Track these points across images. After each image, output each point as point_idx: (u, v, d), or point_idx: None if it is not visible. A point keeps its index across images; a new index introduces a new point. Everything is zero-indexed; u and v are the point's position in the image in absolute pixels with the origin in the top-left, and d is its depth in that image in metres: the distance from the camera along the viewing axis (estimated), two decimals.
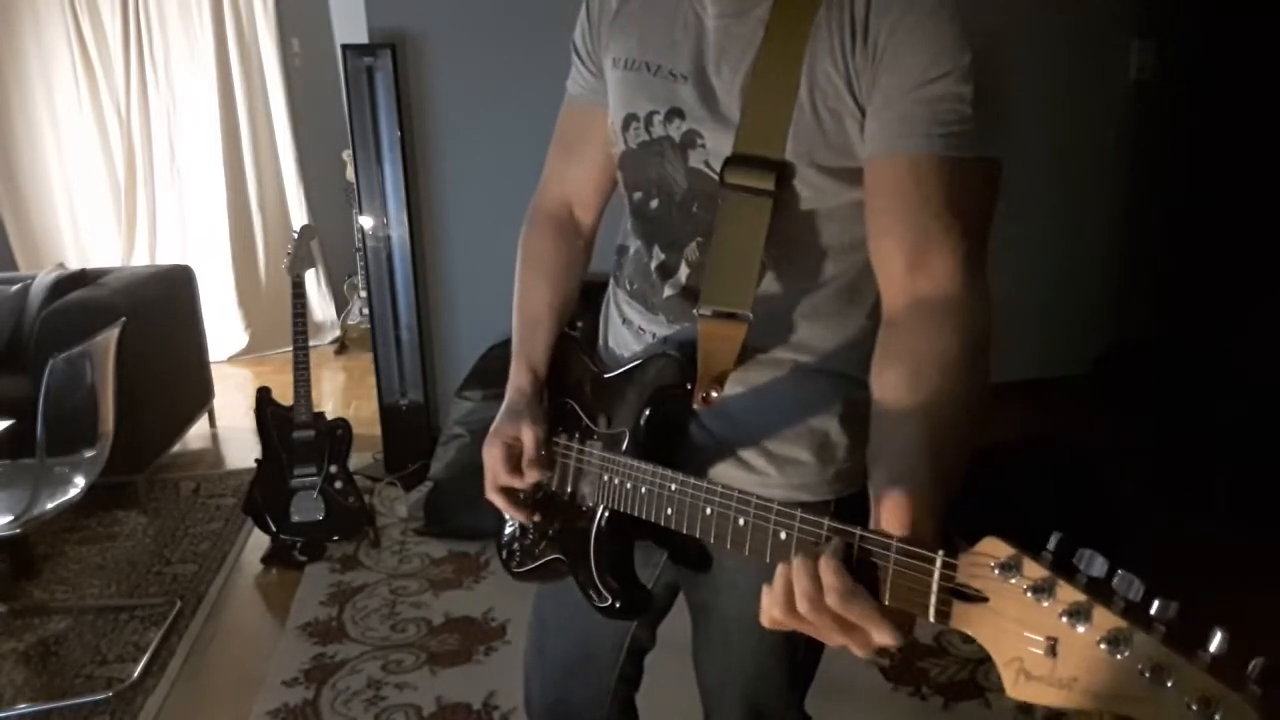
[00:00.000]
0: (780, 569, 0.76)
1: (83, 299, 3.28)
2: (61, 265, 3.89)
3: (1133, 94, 3.77)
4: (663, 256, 1.07)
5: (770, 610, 0.76)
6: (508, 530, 1.22)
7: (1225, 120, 3.51)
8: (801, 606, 0.73)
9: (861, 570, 0.73)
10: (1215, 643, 0.56)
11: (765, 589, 0.76)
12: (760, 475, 1.05)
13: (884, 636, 0.72)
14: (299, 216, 5.27)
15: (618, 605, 1.07)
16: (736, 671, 1.19)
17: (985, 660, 2.37)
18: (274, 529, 2.93)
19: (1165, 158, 3.72)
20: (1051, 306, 3.81)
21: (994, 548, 0.66)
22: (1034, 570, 0.63)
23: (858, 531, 0.74)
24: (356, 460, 3.23)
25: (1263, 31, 3.35)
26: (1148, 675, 0.56)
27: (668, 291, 1.06)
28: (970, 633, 0.67)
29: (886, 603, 0.72)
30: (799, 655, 1.18)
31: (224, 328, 5.15)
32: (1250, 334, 3.43)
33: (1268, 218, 3.38)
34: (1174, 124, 3.69)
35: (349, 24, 3.39)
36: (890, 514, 0.73)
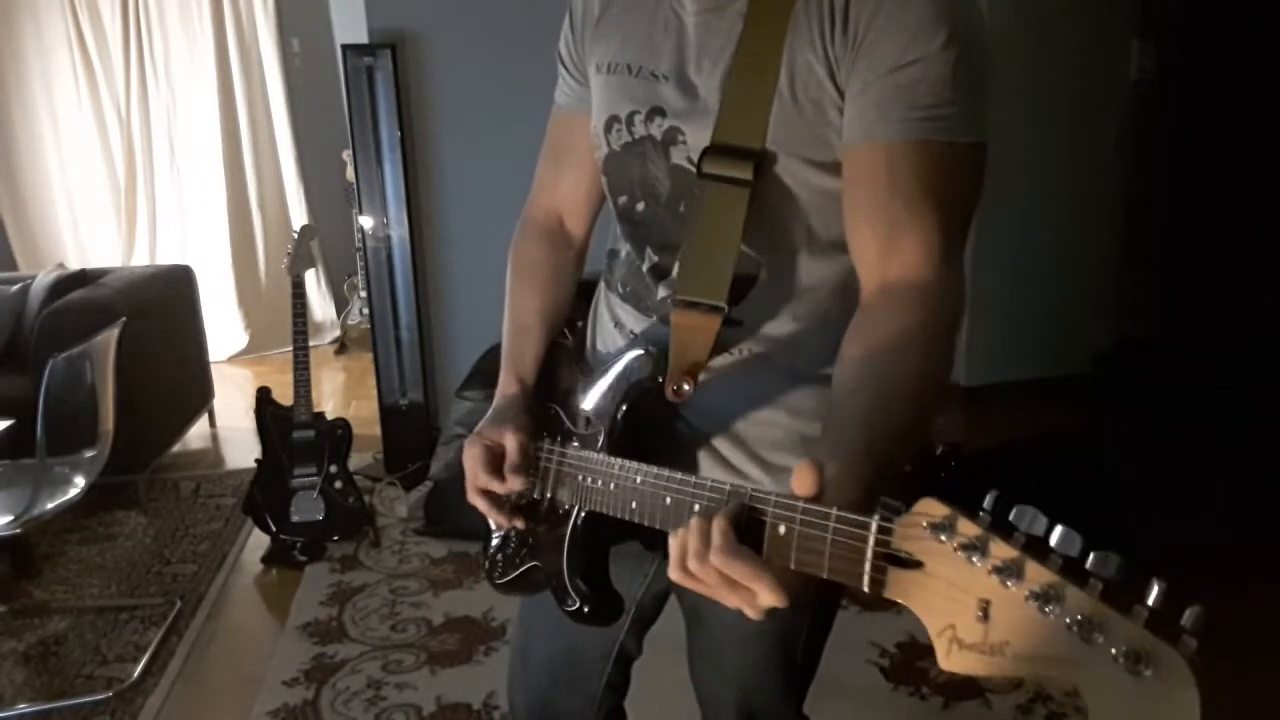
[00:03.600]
0: (679, 531, 0.77)
1: (83, 299, 3.28)
2: (61, 265, 3.89)
3: (1133, 94, 3.78)
4: (656, 259, 1.05)
5: (670, 570, 0.78)
6: (494, 542, 1.21)
7: (1225, 120, 3.51)
8: (690, 564, 0.75)
9: (805, 543, 0.71)
10: (1153, 595, 0.52)
11: (671, 543, 0.78)
12: (752, 483, 1.03)
13: (768, 596, 0.72)
14: (299, 216, 5.27)
15: (585, 609, 1.05)
16: (732, 680, 1.19)
17: None
18: (274, 529, 2.93)
19: (1165, 158, 3.72)
20: (1051, 306, 3.81)
21: (929, 507, 0.62)
22: (968, 529, 0.59)
23: (800, 504, 0.72)
24: (356, 460, 3.23)
25: (1263, 31, 3.35)
26: (1076, 631, 0.53)
27: (662, 292, 1.05)
28: (904, 601, 0.63)
29: (825, 575, 0.70)
30: (795, 662, 1.17)
31: (224, 328, 5.15)
32: (1250, 333, 3.43)
33: (1268, 217, 3.38)
34: (1174, 124, 3.69)
35: (349, 24, 3.40)
36: (797, 479, 0.72)
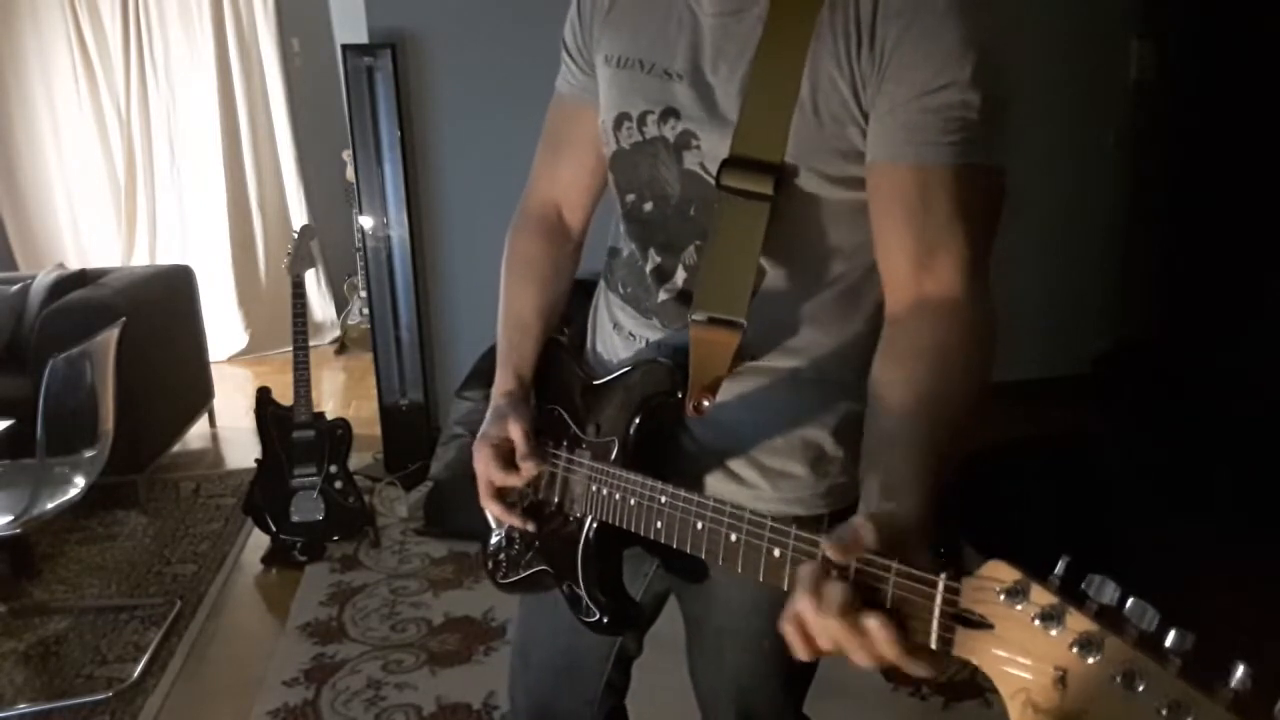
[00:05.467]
0: (793, 616, 0.72)
1: (83, 299, 3.28)
2: (61, 265, 3.89)
3: (1133, 94, 3.77)
4: (658, 260, 1.04)
5: (801, 654, 0.73)
6: (493, 540, 1.20)
7: (1225, 120, 3.50)
8: (815, 630, 0.71)
9: (858, 591, 0.70)
10: (1237, 677, 0.53)
11: (788, 627, 0.73)
12: (752, 488, 1.03)
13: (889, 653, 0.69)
14: (299, 216, 5.27)
15: (605, 620, 1.05)
16: (731, 682, 1.19)
17: None
18: (274, 529, 2.93)
19: (1165, 158, 3.72)
20: (1051, 306, 3.81)
21: (999, 571, 0.63)
22: (1042, 596, 0.60)
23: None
24: (356, 460, 3.23)
25: (1263, 31, 3.35)
26: (1164, 713, 0.53)
27: (663, 296, 1.04)
28: (975, 661, 0.64)
29: None
30: (792, 667, 1.16)
31: (224, 328, 5.14)
32: (1250, 333, 3.42)
33: (1268, 217, 3.38)
34: (1174, 124, 3.69)
35: (349, 24, 3.40)
36: (865, 534, 0.70)
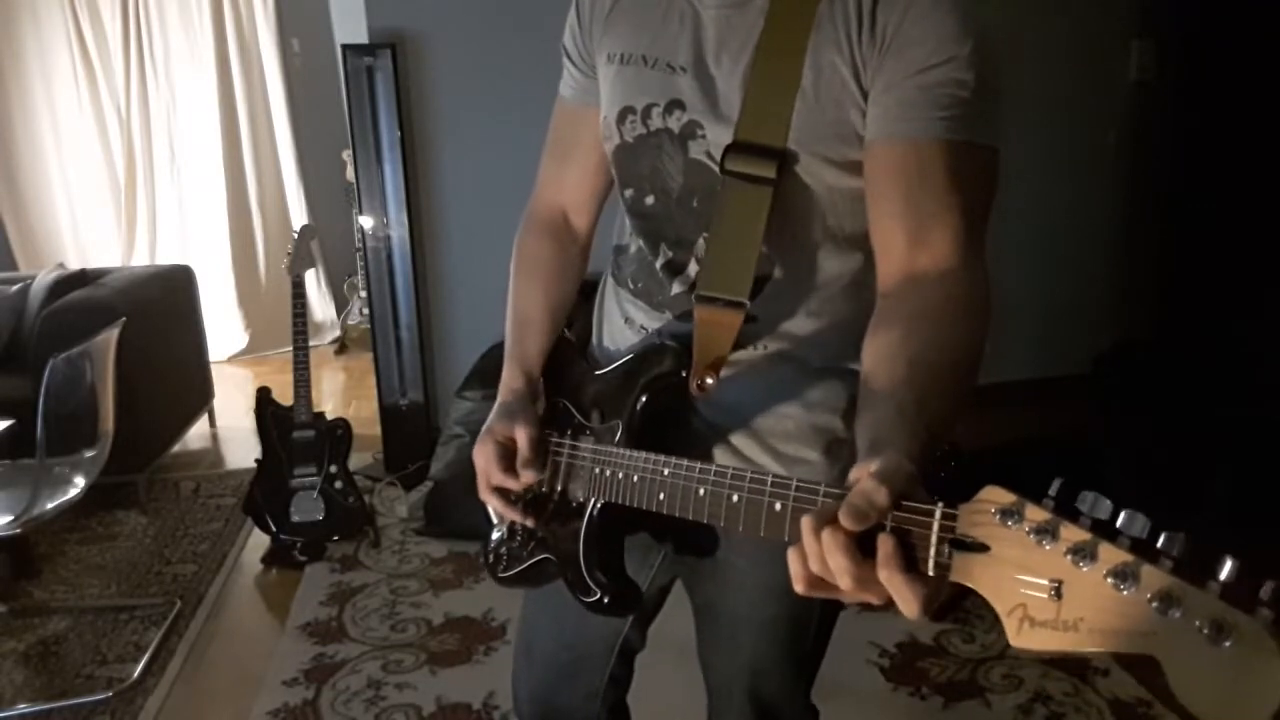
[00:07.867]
0: (798, 550, 0.72)
1: (83, 299, 3.28)
2: (61, 265, 3.89)
3: (1133, 94, 3.77)
4: (670, 254, 1.06)
5: (801, 588, 0.73)
6: (495, 536, 1.21)
7: (1225, 120, 3.50)
8: (815, 567, 0.71)
9: (862, 534, 0.70)
10: (1225, 570, 0.54)
11: (791, 554, 0.72)
12: None
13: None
14: (299, 216, 5.27)
15: (605, 600, 1.06)
16: (744, 668, 1.20)
17: (985, 660, 2.37)
18: (274, 529, 2.93)
19: (1165, 158, 3.72)
20: (1051, 306, 3.81)
21: (995, 495, 0.64)
22: (1037, 514, 0.62)
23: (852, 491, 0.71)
24: (356, 460, 3.23)
25: (1262, 31, 3.35)
26: (1156, 605, 0.55)
27: (676, 289, 1.06)
28: (971, 584, 0.65)
29: None
30: (804, 650, 1.19)
31: (224, 328, 5.15)
32: (1250, 333, 3.43)
33: (1267, 217, 3.38)
34: (1174, 124, 3.69)
35: (349, 24, 3.40)
36: (878, 497, 0.69)
